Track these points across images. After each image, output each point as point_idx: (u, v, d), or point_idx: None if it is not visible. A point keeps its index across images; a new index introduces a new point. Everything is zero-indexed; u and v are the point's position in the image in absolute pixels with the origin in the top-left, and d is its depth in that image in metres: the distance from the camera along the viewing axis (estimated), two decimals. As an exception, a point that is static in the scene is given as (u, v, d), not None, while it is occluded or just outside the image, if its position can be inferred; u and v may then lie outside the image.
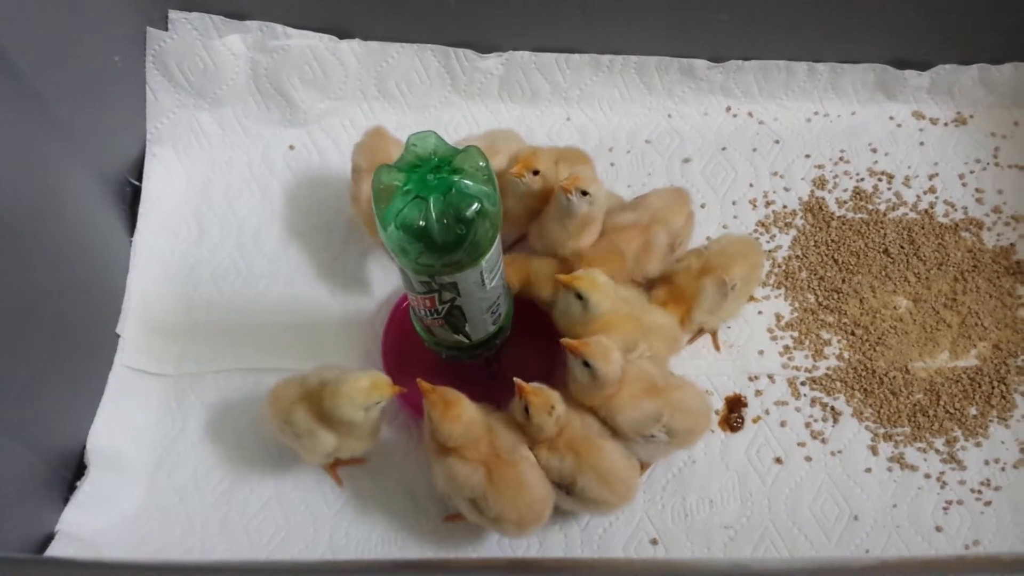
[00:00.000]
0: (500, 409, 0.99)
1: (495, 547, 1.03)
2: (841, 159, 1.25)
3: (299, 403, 0.98)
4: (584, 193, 1.03)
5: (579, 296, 1.00)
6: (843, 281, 1.16)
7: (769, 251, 1.19)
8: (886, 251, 1.18)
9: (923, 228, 1.20)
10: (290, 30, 1.22)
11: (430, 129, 0.87)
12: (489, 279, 0.90)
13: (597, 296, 1.00)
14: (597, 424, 0.98)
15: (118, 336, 1.12)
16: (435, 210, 0.81)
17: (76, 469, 1.04)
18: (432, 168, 0.82)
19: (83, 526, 1.01)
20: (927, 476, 1.06)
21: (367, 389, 0.95)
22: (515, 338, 1.06)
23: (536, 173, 1.07)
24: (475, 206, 0.81)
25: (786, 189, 1.23)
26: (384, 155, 1.14)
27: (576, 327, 1.01)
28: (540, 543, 1.03)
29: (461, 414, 0.94)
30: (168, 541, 1.04)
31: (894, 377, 1.10)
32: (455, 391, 0.95)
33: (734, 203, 1.22)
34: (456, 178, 0.82)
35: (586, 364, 0.95)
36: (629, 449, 0.99)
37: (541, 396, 0.95)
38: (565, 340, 0.96)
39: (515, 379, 0.95)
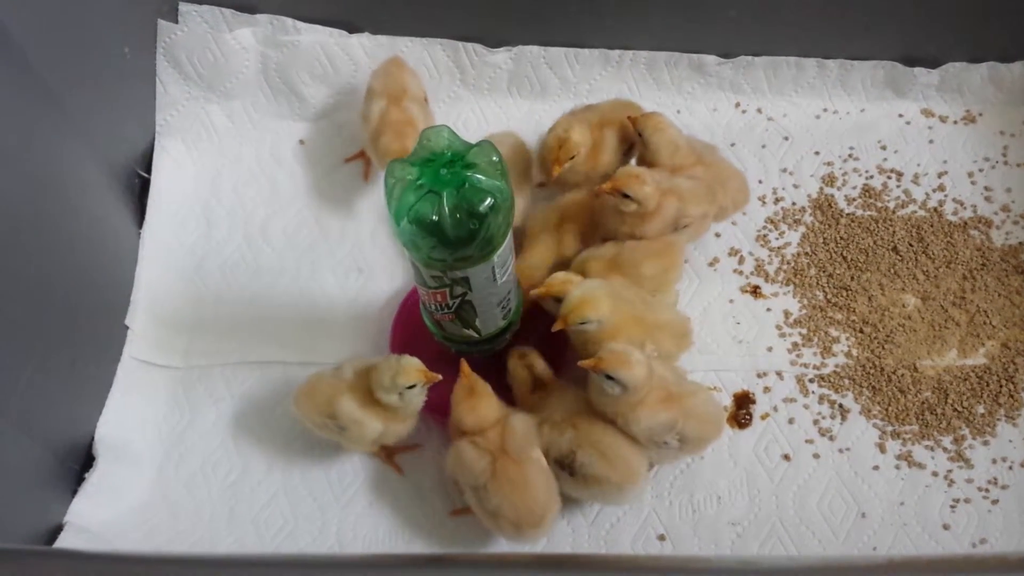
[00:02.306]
0: (517, 408, 1.00)
1: (502, 541, 1.03)
2: (850, 156, 1.25)
3: (342, 395, 0.99)
4: (626, 196, 1.04)
5: (583, 323, 0.99)
6: (852, 278, 1.16)
7: (778, 248, 1.19)
8: (895, 249, 1.18)
9: (932, 226, 1.20)
10: (300, 24, 1.22)
11: (439, 124, 0.87)
12: (500, 274, 0.90)
13: (595, 314, 0.99)
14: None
15: (127, 328, 1.12)
16: (448, 205, 0.81)
17: (84, 461, 1.04)
18: (445, 163, 0.82)
19: (91, 517, 1.01)
20: (935, 474, 1.06)
21: (401, 374, 0.97)
22: (524, 332, 1.06)
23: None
24: (488, 201, 0.81)
25: (795, 186, 1.23)
26: (398, 82, 1.17)
27: (590, 345, 1.00)
28: (547, 537, 1.03)
29: (477, 407, 0.95)
30: (176, 533, 1.04)
31: (902, 375, 1.10)
32: (488, 388, 0.97)
33: (743, 199, 1.22)
34: (469, 173, 0.82)
35: (610, 377, 0.94)
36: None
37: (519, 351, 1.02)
38: (581, 363, 0.96)
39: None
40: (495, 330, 1.00)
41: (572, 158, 1.10)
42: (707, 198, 1.11)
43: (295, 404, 1.03)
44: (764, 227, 1.20)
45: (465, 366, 0.97)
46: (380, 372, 0.97)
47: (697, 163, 1.13)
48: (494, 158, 0.83)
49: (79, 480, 1.02)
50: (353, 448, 1.03)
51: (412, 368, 0.97)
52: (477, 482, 0.95)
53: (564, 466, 0.97)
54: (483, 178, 0.82)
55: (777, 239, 1.19)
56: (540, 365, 1.03)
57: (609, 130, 1.13)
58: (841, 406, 1.09)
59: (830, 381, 1.11)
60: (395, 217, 0.82)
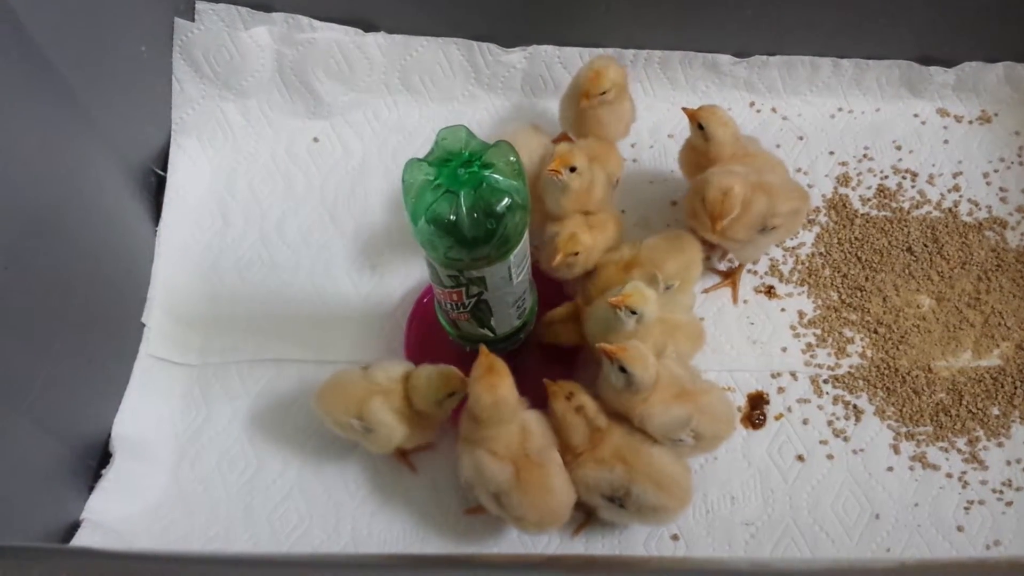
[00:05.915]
0: (533, 407, 0.99)
1: (516, 541, 1.03)
2: (865, 156, 1.25)
3: (374, 398, 0.99)
4: (573, 169, 1.03)
5: (633, 312, 0.97)
6: (866, 279, 1.16)
7: (792, 248, 1.19)
8: (909, 249, 1.18)
9: (947, 227, 1.19)
10: (316, 23, 1.22)
11: (454, 123, 0.87)
12: (516, 273, 0.90)
13: (650, 309, 0.97)
14: (639, 430, 0.97)
15: (143, 325, 1.12)
16: (465, 204, 0.81)
17: (101, 457, 1.05)
18: (463, 162, 0.83)
19: (108, 514, 1.01)
20: (949, 476, 1.06)
21: (438, 383, 0.98)
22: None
23: (573, 170, 1.04)
24: (505, 200, 0.82)
25: (810, 186, 1.23)
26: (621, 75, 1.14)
27: (612, 336, 0.98)
28: (560, 538, 1.03)
29: (497, 385, 0.92)
30: (191, 530, 1.04)
31: (916, 376, 1.10)
32: (506, 368, 0.93)
33: (757, 199, 1.22)
34: (487, 172, 0.82)
35: (622, 369, 0.93)
36: None
37: (563, 388, 0.95)
38: (601, 345, 0.94)
39: (544, 380, 0.95)
40: (510, 330, 1.00)
41: (573, 170, 1.05)
42: (797, 193, 1.09)
43: (317, 400, 1.03)
44: (778, 227, 1.20)
45: (484, 348, 0.94)
46: (426, 381, 0.99)
47: (744, 156, 1.11)
48: (511, 158, 0.83)
49: (96, 477, 1.03)
50: (371, 449, 1.03)
51: (454, 376, 0.98)
52: (500, 489, 0.95)
53: (615, 500, 0.96)
54: (500, 178, 0.82)
55: (791, 239, 1.19)
56: (591, 406, 0.97)
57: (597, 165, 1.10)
58: (855, 407, 1.09)
59: (844, 382, 1.11)
60: (413, 217, 0.83)
